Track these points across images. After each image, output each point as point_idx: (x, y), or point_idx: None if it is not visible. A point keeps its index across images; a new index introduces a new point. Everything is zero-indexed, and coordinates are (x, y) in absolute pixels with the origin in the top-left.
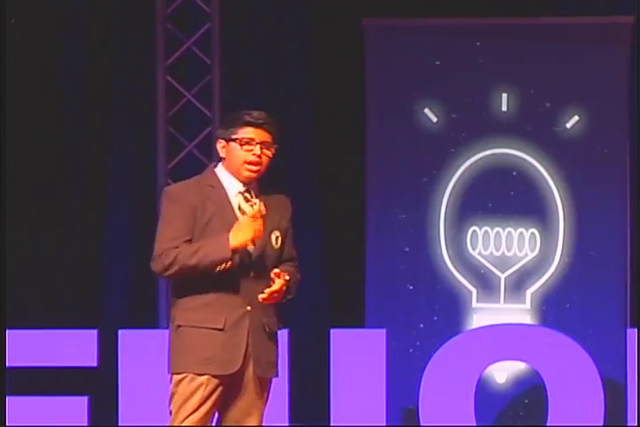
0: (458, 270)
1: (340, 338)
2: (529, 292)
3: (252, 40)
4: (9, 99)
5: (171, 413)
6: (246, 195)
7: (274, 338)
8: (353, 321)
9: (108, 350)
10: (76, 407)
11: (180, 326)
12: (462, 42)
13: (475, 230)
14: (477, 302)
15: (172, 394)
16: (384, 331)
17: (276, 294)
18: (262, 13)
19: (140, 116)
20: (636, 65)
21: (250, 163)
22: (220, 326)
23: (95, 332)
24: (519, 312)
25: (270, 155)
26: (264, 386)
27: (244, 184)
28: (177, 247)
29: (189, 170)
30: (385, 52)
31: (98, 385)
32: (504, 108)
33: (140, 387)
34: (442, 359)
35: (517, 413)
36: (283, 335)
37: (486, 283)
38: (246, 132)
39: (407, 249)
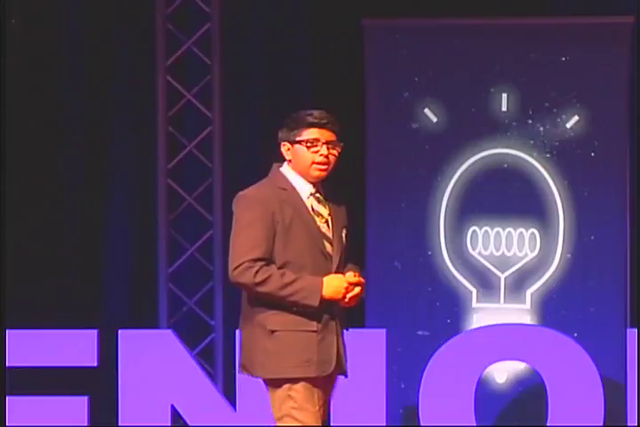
0: (458, 270)
1: None
2: (529, 292)
3: (252, 40)
4: (9, 99)
5: (280, 418)
6: (317, 195)
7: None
8: (353, 321)
9: (108, 350)
10: (76, 407)
11: (274, 331)
12: (462, 42)
13: (475, 230)
14: (477, 302)
15: (285, 398)
16: (384, 331)
17: (357, 298)
18: (262, 13)
19: (140, 116)
20: (636, 65)
21: (318, 163)
22: (314, 328)
23: (95, 332)
24: (519, 312)
25: (337, 153)
26: (335, 385)
27: (314, 185)
28: (264, 262)
29: (189, 170)
30: (385, 52)
31: (98, 385)
32: (504, 108)
33: (140, 387)
34: (442, 359)
35: (517, 413)
36: None
37: (486, 283)
38: (311, 133)
39: (407, 249)
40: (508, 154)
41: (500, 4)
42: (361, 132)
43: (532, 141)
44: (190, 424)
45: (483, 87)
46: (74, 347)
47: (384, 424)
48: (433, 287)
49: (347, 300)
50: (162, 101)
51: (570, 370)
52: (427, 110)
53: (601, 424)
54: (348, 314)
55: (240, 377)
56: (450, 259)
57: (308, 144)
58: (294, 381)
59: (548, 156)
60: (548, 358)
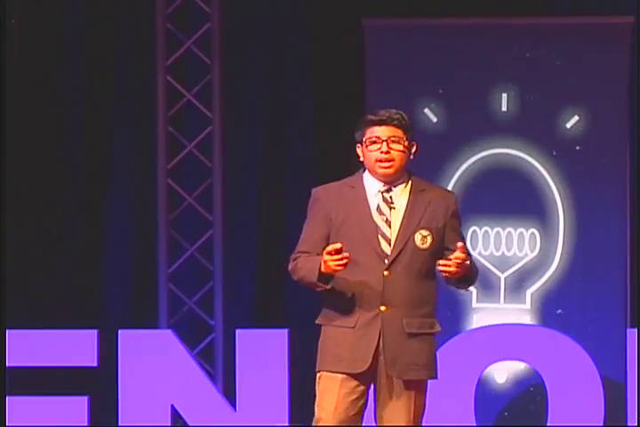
0: None
1: None
2: (529, 292)
3: (252, 40)
4: (9, 99)
5: None
6: (385, 195)
7: (420, 339)
8: None
9: (108, 350)
10: (76, 407)
11: (321, 325)
12: (462, 42)
13: (475, 230)
14: (477, 302)
15: (317, 392)
16: None
17: (455, 265)
18: (262, 13)
19: (140, 116)
20: (636, 65)
21: (380, 160)
22: (352, 325)
23: (95, 332)
24: (519, 312)
25: (402, 148)
26: (407, 388)
27: (386, 183)
28: (303, 254)
29: (189, 170)
30: (385, 52)
31: (98, 385)
32: (504, 108)
33: (140, 387)
34: (442, 359)
35: (517, 413)
36: (282, 335)
37: (486, 283)
38: (372, 132)
39: None
40: (507, 154)
41: (500, 3)
42: None
43: (532, 141)
44: (190, 424)
45: (483, 87)
46: (74, 347)
47: None
48: None
49: (332, 267)
50: (162, 101)
51: (570, 370)
52: (427, 110)
53: (601, 424)
54: None
55: (240, 377)
56: None
57: (369, 142)
58: (323, 375)
59: (547, 156)
60: (548, 358)
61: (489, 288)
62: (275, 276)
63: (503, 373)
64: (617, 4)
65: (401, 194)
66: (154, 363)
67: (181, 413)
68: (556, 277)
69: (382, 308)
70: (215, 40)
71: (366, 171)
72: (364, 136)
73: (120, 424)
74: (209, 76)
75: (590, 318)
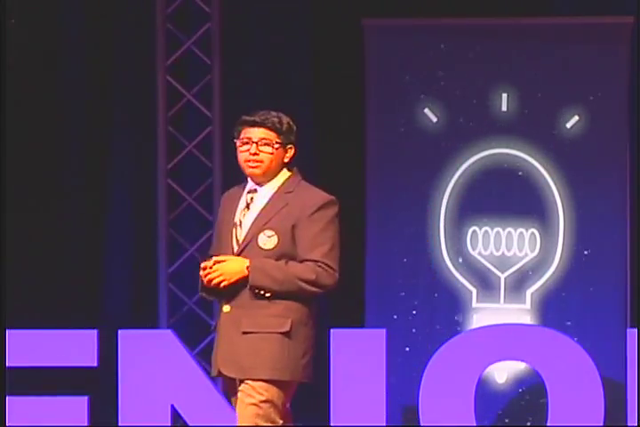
0: (458, 270)
1: (339, 338)
2: (529, 292)
3: (252, 40)
4: (9, 99)
5: None
6: (247, 196)
7: (259, 338)
8: (353, 321)
9: (108, 350)
10: (76, 407)
11: None
12: (462, 42)
13: (475, 230)
14: (477, 302)
15: None
16: (384, 331)
17: (215, 280)
18: (262, 13)
19: (140, 116)
20: (636, 65)
21: (247, 161)
22: (213, 328)
23: (95, 332)
24: (519, 312)
25: (271, 151)
26: (245, 387)
27: (255, 184)
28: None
29: (189, 170)
30: (385, 52)
31: (98, 385)
32: (504, 108)
33: (140, 387)
34: (442, 359)
35: (517, 413)
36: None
37: (486, 283)
38: (245, 133)
39: (407, 249)
40: (508, 154)
41: (500, 4)
42: (361, 132)
43: (532, 141)
44: (190, 424)
45: (483, 87)
46: (74, 347)
47: (384, 424)
48: (433, 287)
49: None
50: (162, 101)
51: (570, 370)
52: (427, 110)
53: (601, 424)
54: (347, 314)
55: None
56: (450, 259)
57: (241, 143)
58: None
59: (548, 156)
60: (548, 358)
61: (489, 288)
62: None
63: (503, 373)
64: (617, 4)
65: (265, 195)
66: (154, 363)
67: (181, 413)
68: (556, 277)
69: (226, 309)
70: (215, 40)
71: None
72: (237, 138)
73: (120, 424)
74: (209, 76)
75: (590, 318)
